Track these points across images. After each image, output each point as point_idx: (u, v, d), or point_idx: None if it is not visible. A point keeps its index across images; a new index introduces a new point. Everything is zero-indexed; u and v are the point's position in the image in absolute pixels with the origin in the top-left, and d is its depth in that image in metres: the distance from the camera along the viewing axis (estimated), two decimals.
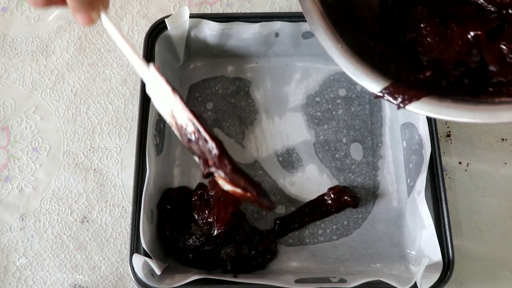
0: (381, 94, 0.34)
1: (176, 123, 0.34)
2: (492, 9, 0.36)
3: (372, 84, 0.34)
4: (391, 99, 0.33)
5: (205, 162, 0.34)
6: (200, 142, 0.33)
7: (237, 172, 0.33)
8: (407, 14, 0.39)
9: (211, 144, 0.33)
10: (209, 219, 0.45)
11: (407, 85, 0.33)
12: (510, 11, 0.36)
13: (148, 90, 0.35)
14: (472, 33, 0.35)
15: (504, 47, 0.34)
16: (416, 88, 0.33)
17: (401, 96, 0.33)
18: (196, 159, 0.35)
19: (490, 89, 0.33)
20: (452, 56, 0.35)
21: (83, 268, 0.48)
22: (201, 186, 0.48)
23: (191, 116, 0.33)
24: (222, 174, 0.34)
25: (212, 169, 0.34)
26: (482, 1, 0.37)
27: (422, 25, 0.37)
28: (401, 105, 0.33)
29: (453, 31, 0.36)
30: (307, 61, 0.54)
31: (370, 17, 0.39)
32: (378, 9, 0.40)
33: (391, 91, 0.33)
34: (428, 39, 0.37)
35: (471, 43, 0.35)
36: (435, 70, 0.34)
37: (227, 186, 0.35)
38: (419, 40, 0.37)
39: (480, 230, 0.48)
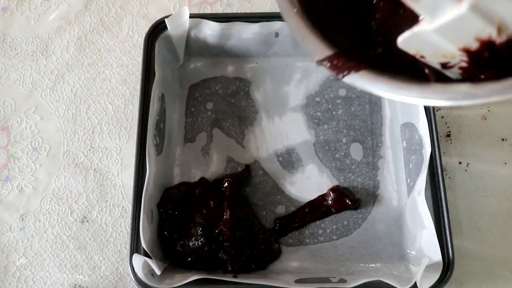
0: (321, 62, 0.33)
1: None
2: None
3: (318, 51, 0.33)
4: (331, 68, 0.32)
5: None
6: None
7: None
8: None
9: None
10: (213, 211, 0.45)
11: (349, 56, 0.32)
12: None
13: None
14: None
15: None
16: (357, 60, 0.32)
17: (340, 66, 0.32)
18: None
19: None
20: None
21: (83, 268, 0.48)
22: (203, 179, 0.49)
23: None
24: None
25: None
26: None
27: (374, 1, 0.36)
28: (339, 76, 0.32)
29: (405, 11, 0.34)
30: (307, 61, 0.54)
31: None
32: None
33: (333, 60, 0.32)
34: (380, 14, 0.36)
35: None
36: (388, 49, 0.33)
37: None
38: (371, 14, 0.36)
39: (480, 230, 0.48)
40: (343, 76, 0.32)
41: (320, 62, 0.33)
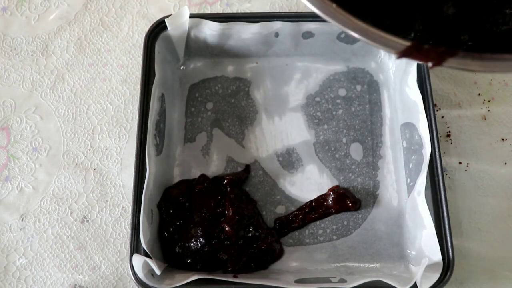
0: (406, 53, 0.28)
1: None
2: None
3: (393, 44, 0.29)
4: (420, 58, 0.28)
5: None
6: None
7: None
8: None
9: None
10: (214, 210, 0.45)
11: (434, 42, 0.29)
12: None
13: None
14: None
15: None
16: (445, 44, 0.28)
17: (433, 53, 0.28)
18: None
19: None
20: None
21: (83, 268, 0.48)
22: (203, 176, 0.49)
23: None
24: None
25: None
26: None
27: None
28: (432, 62, 0.28)
29: None
30: (307, 61, 0.54)
31: None
32: None
33: (418, 49, 0.28)
34: None
35: None
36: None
37: None
38: None
39: (480, 230, 0.48)
40: (441, 63, 0.28)
41: (404, 53, 0.28)
